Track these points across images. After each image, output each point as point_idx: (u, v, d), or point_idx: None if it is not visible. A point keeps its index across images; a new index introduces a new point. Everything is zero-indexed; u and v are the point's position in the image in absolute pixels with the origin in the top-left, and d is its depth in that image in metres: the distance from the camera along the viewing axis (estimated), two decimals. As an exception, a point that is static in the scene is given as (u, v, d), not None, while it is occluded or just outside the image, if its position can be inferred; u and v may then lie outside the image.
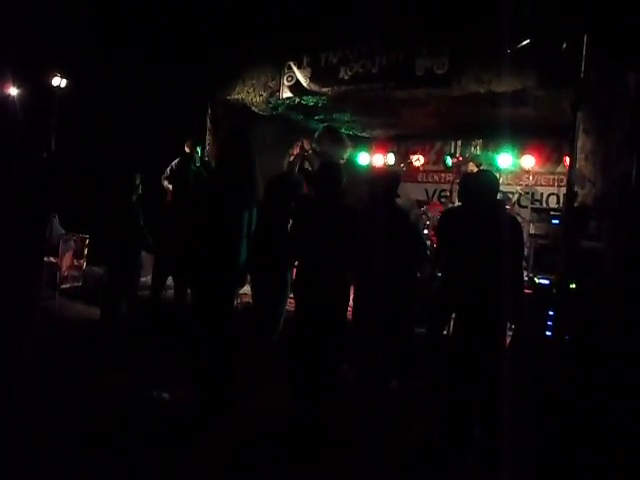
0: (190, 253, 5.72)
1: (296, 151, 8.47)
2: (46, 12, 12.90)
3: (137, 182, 7.49)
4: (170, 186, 8.80)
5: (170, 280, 8.32)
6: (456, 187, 6.72)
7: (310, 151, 8.53)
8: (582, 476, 4.89)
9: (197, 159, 8.69)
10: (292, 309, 6.05)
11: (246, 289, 7.51)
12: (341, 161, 8.08)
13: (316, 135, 8.45)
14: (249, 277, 6.63)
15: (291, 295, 6.40)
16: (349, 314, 5.74)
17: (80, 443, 4.90)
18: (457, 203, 7.86)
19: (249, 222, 5.61)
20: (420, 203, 9.82)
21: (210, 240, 5.49)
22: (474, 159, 9.70)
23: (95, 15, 13.54)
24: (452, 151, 11.10)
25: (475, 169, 9.14)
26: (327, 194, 5.66)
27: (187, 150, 9.15)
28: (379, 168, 10.16)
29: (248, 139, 5.78)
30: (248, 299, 7.29)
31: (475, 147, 10.63)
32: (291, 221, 6.22)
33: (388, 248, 5.27)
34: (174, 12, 12.92)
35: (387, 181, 5.93)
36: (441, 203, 10.51)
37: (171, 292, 8.25)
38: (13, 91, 13.62)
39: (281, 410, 5.55)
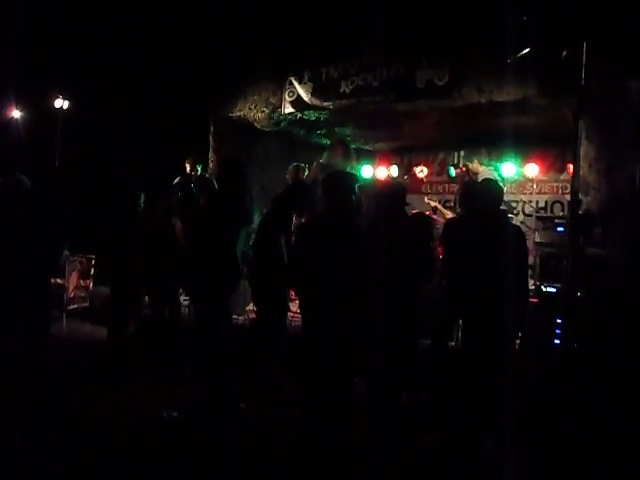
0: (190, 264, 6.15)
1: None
2: (47, 34, 12.99)
3: (141, 201, 7.50)
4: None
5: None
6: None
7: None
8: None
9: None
10: (298, 323, 6.02)
11: (252, 306, 7.49)
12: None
13: (329, 146, 8.49)
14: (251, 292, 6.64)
15: (296, 309, 6.36)
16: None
17: (91, 465, 4.88)
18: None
19: (245, 236, 6.23)
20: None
21: (208, 251, 5.85)
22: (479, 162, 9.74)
23: (95, 35, 13.63)
24: (455, 162, 11.08)
25: (480, 169, 9.17)
26: (334, 208, 5.04)
27: (187, 168, 9.12)
28: (383, 181, 10.15)
29: (243, 164, 6.36)
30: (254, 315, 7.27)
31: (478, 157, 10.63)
32: (293, 238, 5.79)
33: (397, 260, 5.21)
34: (175, 31, 13.02)
35: (394, 191, 5.88)
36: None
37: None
38: (16, 114, 13.70)
39: (292, 425, 5.51)
